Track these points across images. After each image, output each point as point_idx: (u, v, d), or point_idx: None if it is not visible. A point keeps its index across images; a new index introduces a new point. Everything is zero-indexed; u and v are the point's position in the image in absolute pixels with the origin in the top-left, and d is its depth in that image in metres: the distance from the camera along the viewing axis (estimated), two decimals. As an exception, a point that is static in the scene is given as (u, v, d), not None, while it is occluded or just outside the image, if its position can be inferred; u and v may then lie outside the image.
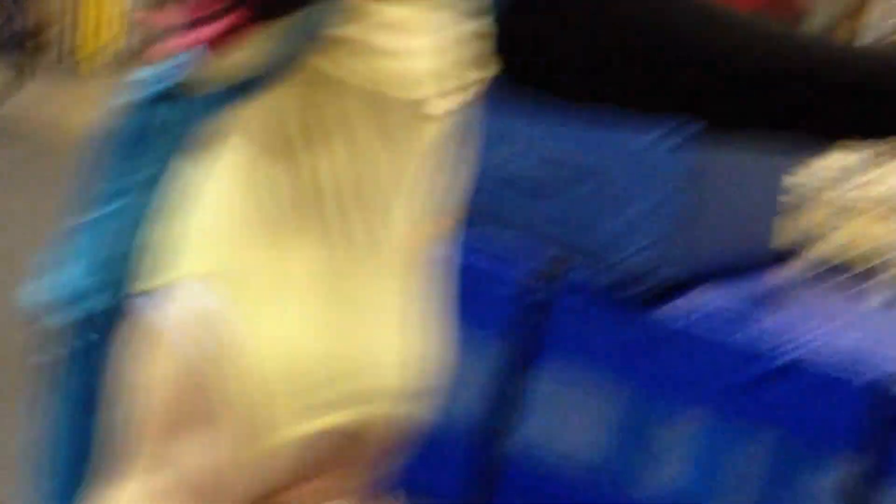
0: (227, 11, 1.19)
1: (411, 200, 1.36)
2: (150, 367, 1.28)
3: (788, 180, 3.22)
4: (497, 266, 2.79)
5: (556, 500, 2.75)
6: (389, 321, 1.37)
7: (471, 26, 1.34)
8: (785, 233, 3.22)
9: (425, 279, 1.44)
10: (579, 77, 1.40)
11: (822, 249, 3.55)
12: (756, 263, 3.08)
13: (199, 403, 1.28)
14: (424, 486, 2.80)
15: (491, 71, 1.36)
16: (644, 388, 2.68)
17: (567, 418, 2.74)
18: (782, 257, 3.20)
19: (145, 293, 1.30)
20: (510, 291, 2.77)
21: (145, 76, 1.32)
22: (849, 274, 3.33)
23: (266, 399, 1.28)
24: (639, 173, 2.69)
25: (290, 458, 1.32)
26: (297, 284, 1.29)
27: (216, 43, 1.19)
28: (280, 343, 1.27)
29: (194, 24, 1.19)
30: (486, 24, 1.34)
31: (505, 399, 2.80)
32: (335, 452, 1.38)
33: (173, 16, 1.20)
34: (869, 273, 3.36)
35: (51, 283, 1.34)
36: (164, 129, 1.30)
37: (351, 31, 1.24)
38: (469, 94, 1.37)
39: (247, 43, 1.21)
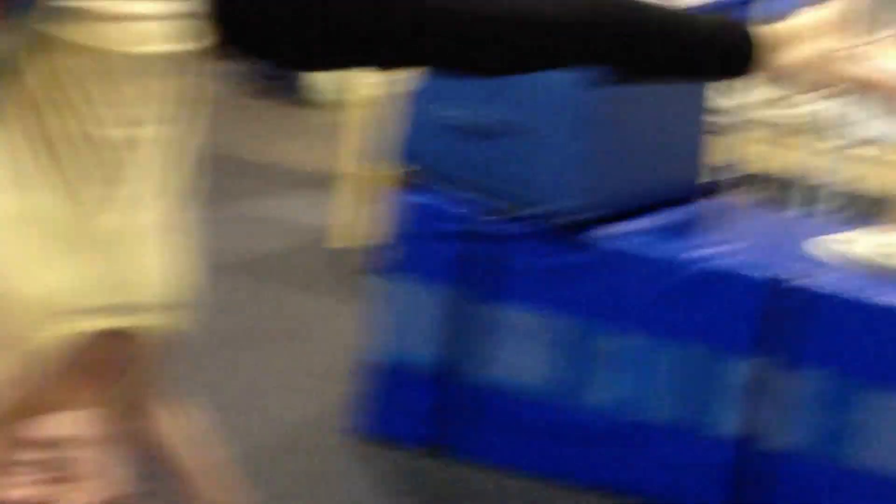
0: None
1: (154, 144, 1.58)
2: None
3: (710, 107, 3.45)
4: (443, 213, 3.07)
5: (515, 422, 3.06)
6: (144, 246, 1.61)
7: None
8: (710, 154, 3.48)
9: (177, 210, 1.67)
10: (295, 42, 1.57)
11: (744, 170, 3.81)
12: (683, 192, 3.35)
13: None
14: (389, 429, 3.14)
15: (209, 41, 1.54)
16: (580, 309, 3.00)
17: (517, 346, 3.05)
18: (708, 183, 3.47)
19: None
20: (456, 236, 3.06)
21: None
22: (766, 192, 3.60)
23: (17, 311, 1.54)
24: (559, 117, 2.94)
25: (50, 363, 1.57)
26: (45, 226, 1.53)
27: None
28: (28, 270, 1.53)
29: None
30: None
31: (459, 336, 3.09)
32: (96, 362, 1.62)
33: None
34: (783, 191, 3.63)
35: None
36: None
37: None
38: (190, 61, 1.55)
39: None
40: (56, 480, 1.64)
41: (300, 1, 1.56)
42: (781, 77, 1.76)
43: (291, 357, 3.73)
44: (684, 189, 3.37)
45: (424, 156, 3.11)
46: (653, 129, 3.20)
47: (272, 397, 3.44)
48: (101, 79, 1.52)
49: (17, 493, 1.62)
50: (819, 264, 2.94)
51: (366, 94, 4.54)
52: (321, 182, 5.36)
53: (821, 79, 1.77)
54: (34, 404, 1.63)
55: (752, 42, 1.69)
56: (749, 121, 4.10)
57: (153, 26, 1.53)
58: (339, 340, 3.71)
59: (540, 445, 3.04)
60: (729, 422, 2.92)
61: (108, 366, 1.69)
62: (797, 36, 1.75)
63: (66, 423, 1.67)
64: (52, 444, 1.66)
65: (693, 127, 3.45)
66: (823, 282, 2.86)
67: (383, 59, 1.64)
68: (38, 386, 1.62)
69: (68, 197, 1.55)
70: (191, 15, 1.55)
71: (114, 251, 1.60)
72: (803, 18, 1.78)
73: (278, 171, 6.14)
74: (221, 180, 4.78)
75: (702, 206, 3.38)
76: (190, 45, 1.55)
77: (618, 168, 3.08)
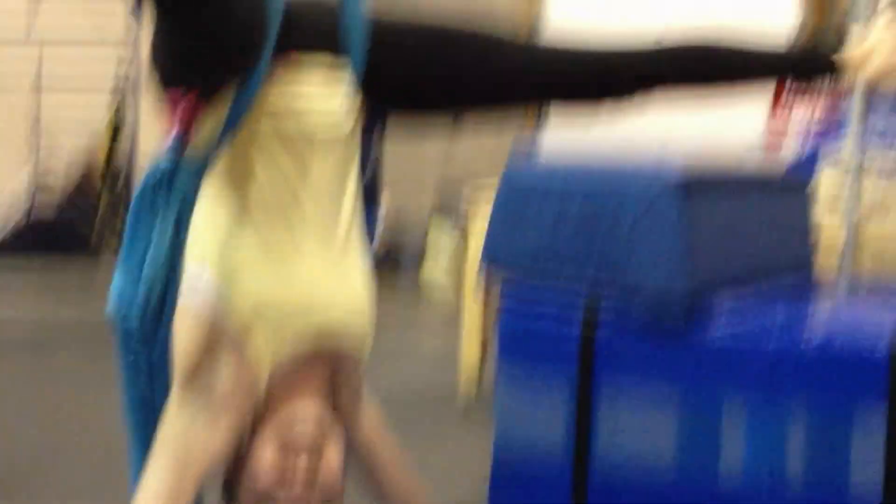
0: (183, 99, 1.93)
1: (342, 193, 2.09)
2: (180, 328, 1.98)
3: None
4: (550, 311, 3.21)
5: (651, 499, 3.13)
6: (338, 276, 2.09)
7: (349, 78, 2.04)
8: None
9: (361, 248, 2.15)
10: (428, 96, 2.12)
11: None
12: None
13: (213, 346, 1.99)
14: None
15: (362, 106, 2.08)
16: (692, 394, 3.10)
17: (635, 433, 3.15)
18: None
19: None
20: (569, 333, 3.18)
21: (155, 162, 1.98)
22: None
23: (250, 335, 2.00)
24: (645, 211, 3.11)
25: (274, 378, 2.03)
26: (262, 256, 2.02)
27: (187, 126, 1.93)
28: (254, 296, 2.00)
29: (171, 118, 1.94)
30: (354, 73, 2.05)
31: (580, 427, 3.19)
32: (305, 373, 2.06)
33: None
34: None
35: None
36: (172, 188, 1.94)
37: (274, 95, 1.99)
38: (356, 124, 2.09)
39: (204, 122, 1.94)
40: (306, 483, 1.98)
41: (434, 58, 2.08)
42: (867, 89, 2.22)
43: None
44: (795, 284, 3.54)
45: (525, 255, 3.27)
46: (758, 226, 3.40)
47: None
48: (290, 151, 2.03)
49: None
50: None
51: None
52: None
53: None
54: (254, 410, 2.04)
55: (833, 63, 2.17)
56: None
57: (339, 113, 2.05)
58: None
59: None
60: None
61: (326, 372, 2.13)
62: (870, 52, 2.16)
63: (297, 426, 2.06)
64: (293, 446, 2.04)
65: (801, 231, 3.68)
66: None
67: (513, 99, 2.18)
68: (270, 390, 2.05)
69: (283, 231, 2.04)
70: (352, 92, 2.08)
71: (311, 279, 2.06)
72: (871, 36, 2.20)
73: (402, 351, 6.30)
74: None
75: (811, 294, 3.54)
76: (354, 116, 2.09)
77: (721, 260, 3.24)
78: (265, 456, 2.03)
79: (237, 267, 2.00)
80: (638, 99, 2.21)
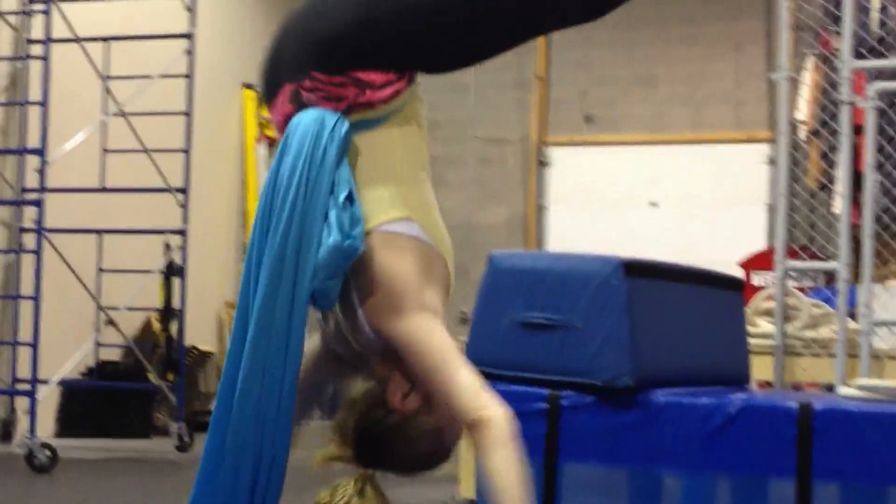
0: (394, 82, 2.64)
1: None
2: (399, 260, 2.55)
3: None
4: (520, 397, 3.61)
5: None
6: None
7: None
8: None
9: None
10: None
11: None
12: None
13: (429, 271, 2.59)
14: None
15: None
16: (641, 459, 3.51)
17: (596, 496, 3.55)
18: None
19: (377, 229, 2.58)
20: (534, 413, 3.61)
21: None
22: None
23: (447, 263, 2.65)
24: (599, 309, 3.58)
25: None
26: (429, 208, 2.68)
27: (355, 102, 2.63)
28: (443, 235, 2.66)
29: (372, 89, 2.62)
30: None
31: (546, 497, 3.58)
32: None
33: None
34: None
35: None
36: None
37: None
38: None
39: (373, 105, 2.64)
40: None
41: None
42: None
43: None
44: (728, 378, 3.97)
45: (493, 353, 3.70)
46: (694, 322, 3.84)
47: None
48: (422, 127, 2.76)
49: None
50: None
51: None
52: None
53: None
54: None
55: None
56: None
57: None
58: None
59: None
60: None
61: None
62: None
63: None
64: None
65: (735, 333, 4.14)
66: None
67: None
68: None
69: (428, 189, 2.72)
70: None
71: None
72: None
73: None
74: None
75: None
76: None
77: (658, 347, 3.66)
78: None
79: (425, 216, 2.62)
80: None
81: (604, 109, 9.61)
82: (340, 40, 2.57)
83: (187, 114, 7.22)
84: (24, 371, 6.57)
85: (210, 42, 8.38)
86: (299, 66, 2.59)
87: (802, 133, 7.25)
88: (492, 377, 3.57)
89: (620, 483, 3.54)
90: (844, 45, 5.02)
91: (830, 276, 5.70)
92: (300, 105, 2.62)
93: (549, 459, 3.59)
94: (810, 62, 7.08)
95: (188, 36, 7.25)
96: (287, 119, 2.63)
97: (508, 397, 3.29)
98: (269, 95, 2.69)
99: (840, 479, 3.36)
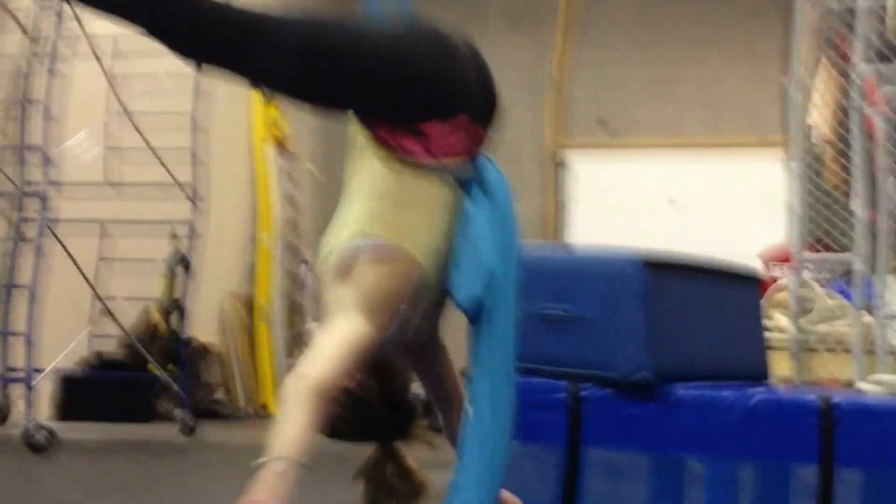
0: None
1: None
2: (375, 272, 2.70)
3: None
4: (544, 389, 3.72)
5: None
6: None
7: None
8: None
9: None
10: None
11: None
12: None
13: (400, 283, 2.73)
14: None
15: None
16: (662, 447, 3.57)
17: (621, 482, 3.62)
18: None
19: (353, 244, 2.75)
20: (556, 404, 3.69)
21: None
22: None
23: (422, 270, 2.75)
24: (618, 304, 3.63)
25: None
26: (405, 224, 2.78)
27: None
28: (416, 244, 2.75)
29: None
30: None
31: (568, 481, 3.65)
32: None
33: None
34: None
35: None
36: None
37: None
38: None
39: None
40: None
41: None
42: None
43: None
44: (746, 373, 4.01)
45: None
46: (713, 317, 3.88)
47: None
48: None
49: None
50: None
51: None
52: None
53: None
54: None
55: None
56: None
57: None
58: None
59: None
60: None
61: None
62: None
63: None
64: None
65: (753, 328, 4.18)
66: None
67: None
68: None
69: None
70: None
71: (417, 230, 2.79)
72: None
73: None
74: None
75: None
76: None
77: (676, 341, 3.71)
78: None
79: (401, 232, 2.76)
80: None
81: (618, 112, 9.65)
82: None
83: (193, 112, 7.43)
84: (18, 361, 6.49)
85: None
86: (487, 112, 2.86)
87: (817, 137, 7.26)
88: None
89: (642, 469, 3.60)
90: (857, 50, 5.04)
91: (848, 270, 5.73)
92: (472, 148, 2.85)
93: (570, 449, 3.65)
94: (825, 66, 7.09)
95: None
96: (465, 152, 2.83)
97: (528, 389, 3.55)
98: (475, 113, 2.84)
99: (862, 468, 3.40)
